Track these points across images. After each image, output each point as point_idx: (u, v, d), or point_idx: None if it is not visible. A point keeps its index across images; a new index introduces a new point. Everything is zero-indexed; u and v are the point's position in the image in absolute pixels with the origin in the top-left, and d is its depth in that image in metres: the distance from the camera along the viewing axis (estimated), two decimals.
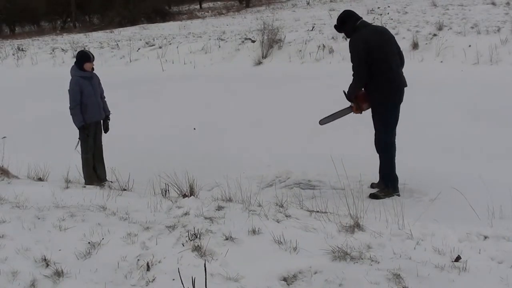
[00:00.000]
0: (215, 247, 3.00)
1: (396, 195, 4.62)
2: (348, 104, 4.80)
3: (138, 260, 2.92)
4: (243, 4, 36.87)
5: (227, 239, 3.10)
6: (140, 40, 17.77)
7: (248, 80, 10.72)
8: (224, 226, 3.30)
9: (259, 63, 12.23)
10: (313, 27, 14.82)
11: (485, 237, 3.03)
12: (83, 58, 5.50)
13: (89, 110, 5.48)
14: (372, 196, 4.66)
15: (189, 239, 3.11)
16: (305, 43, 12.30)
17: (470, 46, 10.10)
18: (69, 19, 39.42)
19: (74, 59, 5.85)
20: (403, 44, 10.70)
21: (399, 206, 3.36)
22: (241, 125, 7.51)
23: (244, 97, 9.21)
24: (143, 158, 6.38)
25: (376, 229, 3.17)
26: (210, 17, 30.35)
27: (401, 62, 4.72)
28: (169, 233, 3.25)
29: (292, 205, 3.84)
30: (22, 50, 18.41)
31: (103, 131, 5.81)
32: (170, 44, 15.18)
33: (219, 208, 3.72)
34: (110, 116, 5.85)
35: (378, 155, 4.74)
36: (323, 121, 5.03)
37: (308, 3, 28.91)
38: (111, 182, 5.41)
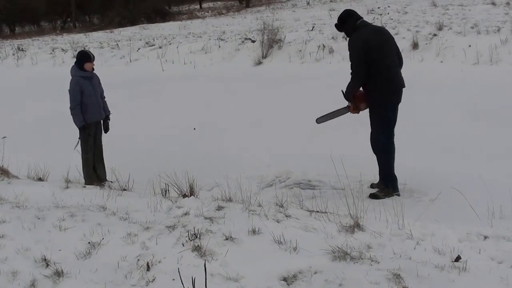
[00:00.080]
0: (215, 247, 3.00)
1: (396, 195, 4.62)
2: (345, 103, 4.81)
3: (138, 260, 2.92)
4: (243, 4, 36.88)
5: (227, 239, 3.10)
6: (140, 40, 17.77)
7: (248, 80, 10.72)
8: (224, 226, 3.30)
9: (259, 63, 12.23)
10: (313, 27, 14.82)
11: (485, 237, 3.03)
12: (84, 58, 5.50)
13: (89, 110, 5.48)
14: (372, 196, 4.66)
15: (189, 239, 3.11)
16: (305, 43, 12.30)
17: (470, 46, 10.10)
18: (69, 19, 39.43)
19: (74, 59, 5.86)
20: (403, 44, 10.74)
21: (399, 206, 3.36)
22: (241, 125, 7.51)
23: (244, 97, 9.21)
24: (143, 158, 6.38)
25: (376, 229, 3.17)
26: (210, 17, 30.35)
27: (400, 63, 4.72)
28: (169, 233, 3.25)
29: (292, 205, 3.84)
30: (22, 50, 18.41)
31: (103, 131, 5.81)
32: (170, 44, 15.18)
33: (219, 208, 3.72)
34: (110, 116, 5.86)
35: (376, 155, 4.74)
36: (320, 120, 5.04)
37: (308, 3, 28.92)
38: (111, 182, 5.41)
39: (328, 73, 9.80)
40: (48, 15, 38.59)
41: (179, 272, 2.47)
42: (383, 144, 4.64)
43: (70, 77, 5.49)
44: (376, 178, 4.84)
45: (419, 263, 2.72)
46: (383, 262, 2.77)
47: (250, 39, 13.84)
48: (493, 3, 16.31)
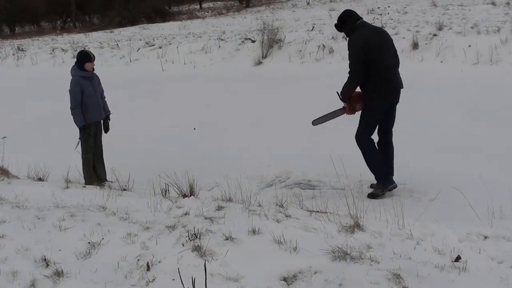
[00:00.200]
0: (215, 247, 3.00)
1: (393, 187, 4.62)
2: (341, 105, 4.83)
3: (138, 260, 2.92)
4: (243, 4, 36.87)
5: (227, 239, 3.10)
6: (140, 40, 17.77)
7: (248, 80, 10.72)
8: (224, 226, 3.30)
9: (259, 63, 12.23)
10: (313, 27, 14.82)
11: (485, 237, 3.03)
12: (84, 58, 5.50)
13: (89, 110, 5.48)
14: (371, 195, 4.67)
15: (189, 239, 3.11)
16: (305, 43, 12.30)
17: (470, 46, 10.10)
18: (69, 19, 39.42)
19: (74, 59, 5.85)
20: (403, 44, 10.75)
21: (399, 206, 3.36)
22: (241, 125, 7.51)
23: (244, 97, 9.21)
24: (143, 158, 6.38)
25: (376, 229, 3.17)
26: (210, 17, 30.35)
27: (397, 64, 4.76)
28: (169, 233, 3.25)
29: (292, 205, 3.84)
30: (22, 50, 18.41)
31: (103, 131, 5.81)
32: (170, 44, 15.18)
33: (219, 208, 3.72)
34: (110, 116, 5.85)
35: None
36: (316, 122, 5.06)
37: (308, 3, 28.92)
38: (111, 182, 5.41)
39: (328, 73, 9.80)
40: (48, 15, 38.58)
41: (179, 272, 2.47)
42: (367, 139, 4.66)
43: (70, 77, 5.49)
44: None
45: (419, 263, 2.72)
46: (383, 262, 2.77)
47: (250, 39, 13.84)
48: (493, 3, 16.31)
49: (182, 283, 2.41)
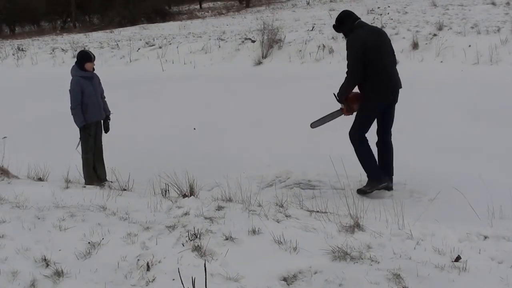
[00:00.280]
0: (215, 247, 3.00)
1: (383, 187, 4.61)
2: (338, 106, 4.83)
3: (138, 260, 2.92)
4: (243, 4, 36.86)
5: (227, 239, 3.10)
6: (140, 40, 17.77)
7: (248, 80, 10.72)
8: (224, 226, 3.30)
9: (259, 63, 12.23)
10: (313, 27, 14.82)
11: (485, 237, 3.03)
12: (84, 58, 5.50)
13: (89, 110, 5.48)
14: (360, 191, 4.69)
15: (189, 239, 3.11)
16: (305, 43, 12.30)
17: (470, 46, 10.10)
18: (69, 19, 39.41)
19: (74, 59, 5.85)
20: (403, 44, 10.75)
21: (399, 206, 3.36)
22: (241, 125, 7.51)
23: (244, 97, 9.21)
24: (143, 158, 6.38)
25: (376, 229, 3.17)
26: (210, 17, 30.35)
27: (394, 64, 4.79)
28: (169, 233, 3.25)
29: (292, 205, 3.84)
30: (22, 50, 18.41)
31: (103, 131, 5.81)
32: (170, 44, 15.18)
33: (219, 208, 3.72)
34: (111, 116, 5.85)
35: (375, 152, 4.75)
36: (314, 124, 5.07)
37: (308, 3, 28.91)
38: (111, 182, 5.41)
39: (328, 73, 9.79)
40: (48, 15, 38.57)
41: (179, 272, 2.47)
42: (360, 136, 4.67)
43: (70, 77, 5.49)
44: None
45: (419, 263, 2.72)
46: (383, 262, 2.77)
47: (250, 39, 13.84)
48: (493, 3, 16.30)
49: (182, 283, 2.41)
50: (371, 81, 4.51)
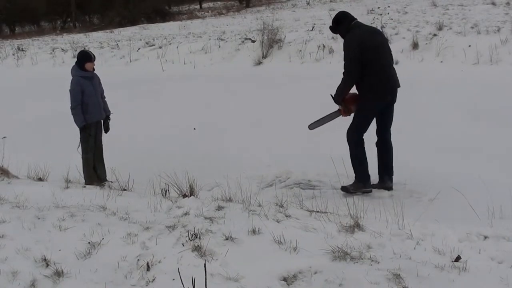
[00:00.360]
0: (215, 247, 3.00)
1: (367, 191, 4.62)
2: (336, 107, 4.84)
3: (138, 260, 2.92)
4: (243, 4, 36.85)
5: (227, 239, 3.10)
6: (140, 40, 17.77)
7: (248, 80, 10.72)
8: (224, 226, 3.30)
9: (259, 63, 12.23)
10: (313, 27, 14.81)
11: (485, 237, 3.03)
12: (84, 58, 5.50)
13: (90, 110, 5.48)
14: (343, 188, 4.72)
15: (189, 239, 3.11)
16: (305, 43, 12.30)
17: (470, 46, 10.10)
18: (69, 19, 39.40)
19: (75, 59, 5.85)
20: (403, 44, 10.76)
21: (399, 206, 3.36)
22: (241, 125, 7.51)
23: (244, 97, 9.21)
24: (143, 158, 6.38)
25: (376, 229, 3.17)
26: (210, 17, 30.35)
27: (392, 63, 4.78)
28: (169, 233, 3.25)
29: (292, 205, 3.84)
30: (22, 50, 18.41)
31: (103, 131, 5.81)
32: (170, 44, 15.18)
33: (219, 208, 3.72)
34: (111, 116, 5.85)
35: (375, 152, 4.75)
36: (312, 126, 5.08)
37: (308, 3, 28.91)
38: (111, 182, 5.41)
39: (328, 73, 9.75)
40: (48, 15, 38.56)
41: (179, 272, 2.47)
42: (358, 136, 4.68)
43: (71, 77, 5.49)
44: (375, 178, 4.84)
45: (419, 263, 2.72)
46: (383, 262, 2.77)
47: (250, 39, 13.84)
48: (493, 3, 16.30)
49: (182, 283, 2.41)
50: (369, 81, 4.51)
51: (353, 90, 4.72)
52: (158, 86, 11.02)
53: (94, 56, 5.61)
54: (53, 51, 17.39)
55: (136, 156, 6.46)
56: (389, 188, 4.73)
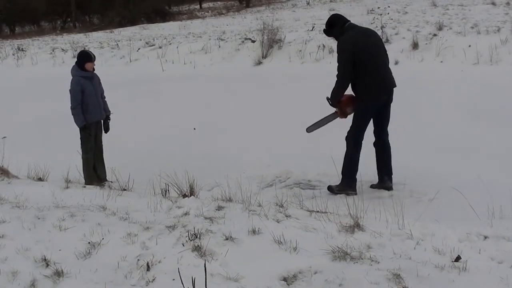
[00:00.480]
0: (215, 247, 3.00)
1: (353, 193, 4.62)
2: (333, 109, 4.84)
3: (138, 260, 2.92)
4: (243, 4, 36.85)
5: (227, 239, 3.10)
6: (140, 40, 17.77)
7: (248, 80, 10.72)
8: (224, 226, 3.30)
9: (259, 63, 12.23)
10: (313, 27, 14.82)
11: (485, 237, 3.03)
12: (84, 58, 5.50)
13: (90, 109, 5.48)
14: (329, 188, 4.78)
15: (189, 239, 3.11)
16: (305, 43, 12.30)
17: (470, 46, 10.10)
18: (69, 19, 39.40)
19: (74, 59, 5.86)
20: (403, 44, 10.76)
21: (399, 206, 3.36)
22: (241, 125, 7.51)
23: (244, 97, 9.21)
24: (143, 158, 6.38)
25: (376, 229, 3.17)
26: (210, 17, 30.35)
27: (387, 63, 4.78)
28: (169, 233, 3.25)
29: (292, 205, 3.84)
30: (22, 50, 18.41)
31: (103, 131, 5.81)
32: (170, 44, 15.18)
33: (219, 208, 3.72)
34: (111, 116, 5.86)
35: (373, 153, 4.75)
36: (310, 129, 5.09)
37: (308, 3, 28.91)
38: (111, 182, 5.41)
39: (328, 73, 9.69)
40: (48, 15, 38.56)
41: (179, 272, 2.47)
42: (356, 138, 4.69)
43: (71, 77, 5.49)
44: (375, 179, 4.85)
45: (419, 263, 2.72)
46: (383, 262, 2.77)
47: (250, 39, 13.84)
48: (493, 3, 16.30)
49: (182, 283, 2.41)
50: (363, 82, 4.52)
51: (350, 91, 4.72)
52: (158, 86, 11.02)
53: (94, 56, 5.61)
54: (53, 51, 17.39)
55: (136, 156, 6.46)
56: (389, 188, 4.73)
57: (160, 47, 14.90)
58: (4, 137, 7.92)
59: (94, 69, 5.59)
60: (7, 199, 4.13)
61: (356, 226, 3.21)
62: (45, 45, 20.43)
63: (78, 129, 5.52)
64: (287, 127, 7.06)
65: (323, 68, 10.87)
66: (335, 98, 4.69)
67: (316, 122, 5.05)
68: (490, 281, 2.55)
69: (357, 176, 4.86)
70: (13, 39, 28.17)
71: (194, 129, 7.65)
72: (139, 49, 15.36)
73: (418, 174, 4.98)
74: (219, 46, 13.81)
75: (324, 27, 4.88)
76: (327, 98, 4.74)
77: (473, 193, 3.96)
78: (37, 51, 17.82)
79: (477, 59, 9.61)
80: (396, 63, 9.82)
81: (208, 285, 2.51)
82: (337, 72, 4.61)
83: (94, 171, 5.68)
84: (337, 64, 4.62)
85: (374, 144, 4.81)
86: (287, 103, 8.37)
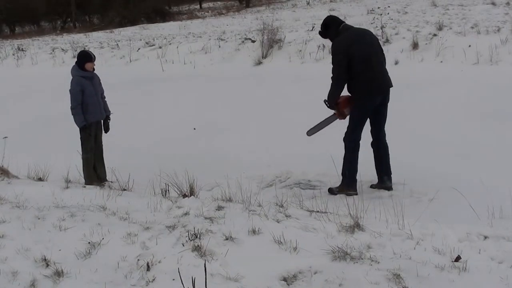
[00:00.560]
0: (215, 247, 3.00)
1: (354, 193, 4.62)
2: (331, 112, 4.85)
3: (138, 260, 2.92)
4: (243, 4, 36.83)
5: (227, 239, 3.10)
6: (140, 40, 17.77)
7: (248, 80, 10.72)
8: (224, 226, 3.30)
9: (259, 63, 12.23)
10: (313, 27, 14.81)
11: (485, 237, 3.03)
12: (84, 58, 5.50)
13: (90, 109, 5.48)
14: (329, 190, 4.78)
15: (189, 239, 3.11)
16: (305, 43, 12.30)
17: (470, 46, 10.10)
18: (69, 19, 39.38)
19: (74, 59, 5.86)
20: (403, 44, 10.76)
21: (399, 206, 3.36)
22: (241, 125, 7.51)
23: (244, 97, 9.21)
24: (143, 158, 6.38)
25: (376, 229, 3.17)
26: (210, 17, 30.34)
27: (384, 63, 4.79)
28: (169, 233, 3.25)
29: (292, 205, 3.84)
30: (22, 50, 18.41)
31: (103, 131, 5.81)
32: (170, 44, 15.18)
33: (219, 208, 3.72)
34: (111, 116, 5.85)
35: (371, 154, 4.76)
36: (310, 132, 5.10)
37: (308, 3, 28.90)
38: (111, 182, 5.41)
39: (328, 73, 9.71)
40: (48, 15, 38.53)
41: (179, 272, 2.47)
42: (355, 139, 4.69)
43: (71, 77, 5.49)
44: (375, 179, 4.85)
45: (419, 263, 2.72)
46: (383, 262, 2.77)
47: (250, 39, 13.84)
48: (493, 3, 16.30)
49: (182, 283, 2.41)
50: (359, 83, 4.53)
51: (345, 92, 4.73)
52: (158, 86, 11.02)
53: (94, 56, 5.61)
54: (53, 51, 17.39)
55: (136, 156, 6.46)
56: (389, 188, 4.73)
57: (160, 47, 14.90)
58: (5, 137, 7.92)
59: (94, 69, 5.59)
60: (7, 199, 4.13)
61: (356, 226, 3.21)
62: (45, 45, 20.44)
63: (78, 129, 5.52)
64: (287, 127, 7.06)
65: (323, 68, 10.83)
66: (332, 100, 4.70)
67: (316, 125, 5.06)
68: (490, 281, 2.56)
69: (357, 176, 4.86)
70: (13, 39, 28.17)
71: (194, 129, 7.65)
72: (139, 49, 15.36)
73: (418, 174, 4.98)
74: (219, 46, 13.81)
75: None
76: (324, 101, 4.75)
77: (473, 193, 3.96)
78: (37, 51, 17.82)
79: (477, 59, 9.61)
80: (396, 63, 9.83)
81: (208, 285, 2.51)
82: (332, 74, 4.63)
83: (94, 171, 5.68)
84: (331, 66, 4.63)
85: (372, 144, 4.81)
86: (287, 103, 8.37)
